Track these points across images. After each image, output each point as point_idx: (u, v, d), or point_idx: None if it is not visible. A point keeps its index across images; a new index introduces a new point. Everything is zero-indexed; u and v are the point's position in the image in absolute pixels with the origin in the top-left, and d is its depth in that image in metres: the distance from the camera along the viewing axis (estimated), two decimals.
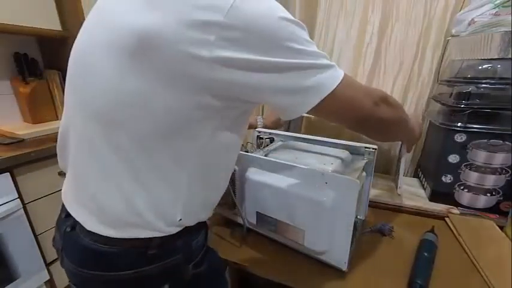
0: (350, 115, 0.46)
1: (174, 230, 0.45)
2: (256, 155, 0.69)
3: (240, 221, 0.74)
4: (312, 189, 0.58)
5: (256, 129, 0.89)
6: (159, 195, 0.42)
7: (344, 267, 0.61)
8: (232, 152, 0.51)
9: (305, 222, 0.61)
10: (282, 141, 0.86)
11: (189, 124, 0.40)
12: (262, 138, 0.86)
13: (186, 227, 0.47)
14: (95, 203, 0.43)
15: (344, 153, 0.71)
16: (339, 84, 0.41)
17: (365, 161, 0.71)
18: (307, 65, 0.39)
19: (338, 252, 0.61)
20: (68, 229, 0.46)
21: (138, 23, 0.36)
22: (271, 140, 0.86)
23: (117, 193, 0.41)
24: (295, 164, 0.61)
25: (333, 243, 0.60)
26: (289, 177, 0.62)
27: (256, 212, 0.68)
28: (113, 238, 0.42)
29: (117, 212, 0.42)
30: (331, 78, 0.41)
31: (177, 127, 0.40)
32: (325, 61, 0.41)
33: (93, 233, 0.42)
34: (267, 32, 0.36)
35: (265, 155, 0.72)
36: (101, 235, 0.42)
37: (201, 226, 0.51)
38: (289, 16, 0.38)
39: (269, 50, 0.37)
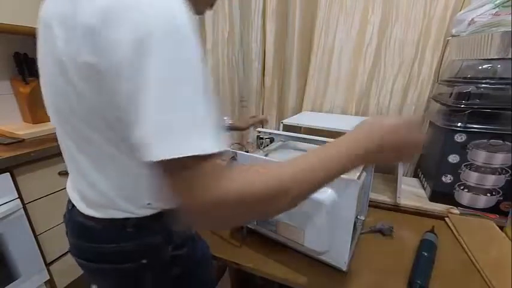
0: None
1: (148, 212, 0.47)
2: (256, 155, 0.69)
3: None
4: None
5: (257, 129, 0.89)
6: (121, 182, 0.45)
7: (344, 267, 0.61)
8: None
9: (305, 222, 0.61)
10: (282, 141, 0.86)
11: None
12: (262, 138, 0.86)
13: (167, 210, 0.48)
14: (77, 190, 0.49)
15: None
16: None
17: None
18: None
19: (338, 252, 0.61)
20: (70, 207, 0.52)
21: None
22: (271, 140, 0.86)
23: (86, 182, 0.46)
24: None
25: (333, 243, 0.60)
26: None
27: None
28: (96, 217, 0.47)
29: (91, 197, 0.47)
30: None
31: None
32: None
33: (83, 213, 0.48)
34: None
35: (266, 155, 0.72)
36: (88, 215, 0.48)
37: None
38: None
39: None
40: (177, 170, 0.30)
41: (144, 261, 0.48)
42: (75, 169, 0.48)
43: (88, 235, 0.48)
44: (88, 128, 0.40)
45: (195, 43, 0.31)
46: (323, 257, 0.63)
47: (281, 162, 0.37)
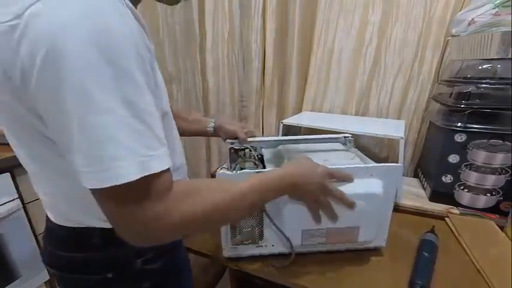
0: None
1: None
2: None
3: (268, 251, 0.66)
4: (361, 184, 0.58)
5: (228, 140, 0.77)
6: (71, 191, 0.42)
7: (384, 244, 0.66)
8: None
9: (360, 218, 0.61)
10: (263, 147, 0.80)
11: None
12: (243, 150, 0.76)
13: None
14: (41, 198, 0.49)
15: (340, 146, 0.73)
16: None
17: (355, 149, 0.75)
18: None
19: (380, 234, 0.64)
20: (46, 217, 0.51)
21: None
22: (255, 149, 0.77)
23: (41, 191, 0.47)
24: (347, 165, 0.60)
25: (380, 228, 0.63)
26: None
27: (302, 230, 0.63)
28: (64, 226, 0.46)
29: (54, 209, 0.47)
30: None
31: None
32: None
33: (52, 220, 0.48)
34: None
35: None
36: (56, 223, 0.47)
37: None
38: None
39: None
40: (112, 197, 0.32)
41: (110, 275, 0.46)
42: (31, 177, 0.46)
43: (58, 243, 0.48)
44: (28, 137, 0.38)
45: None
46: (369, 245, 0.66)
47: (227, 181, 0.46)
